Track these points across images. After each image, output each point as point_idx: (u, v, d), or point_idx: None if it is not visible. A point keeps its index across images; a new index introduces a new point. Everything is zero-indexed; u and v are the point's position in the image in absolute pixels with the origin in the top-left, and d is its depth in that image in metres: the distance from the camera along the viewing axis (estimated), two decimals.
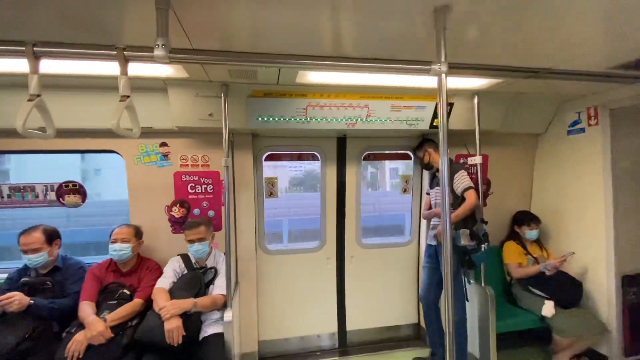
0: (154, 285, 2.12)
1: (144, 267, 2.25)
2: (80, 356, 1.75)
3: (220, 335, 2.06)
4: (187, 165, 2.55)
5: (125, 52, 1.20)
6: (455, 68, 1.84)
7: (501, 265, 2.92)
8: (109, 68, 1.75)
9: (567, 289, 2.58)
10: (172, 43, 1.20)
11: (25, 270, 2.11)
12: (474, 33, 1.49)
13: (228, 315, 2.05)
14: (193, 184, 2.56)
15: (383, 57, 1.73)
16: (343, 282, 3.08)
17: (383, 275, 3.14)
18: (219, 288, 2.16)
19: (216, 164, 2.57)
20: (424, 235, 2.96)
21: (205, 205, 2.59)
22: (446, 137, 1.27)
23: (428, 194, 2.79)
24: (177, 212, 2.55)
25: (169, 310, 1.89)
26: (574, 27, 1.44)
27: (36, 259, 2.01)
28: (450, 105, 2.52)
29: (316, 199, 3.06)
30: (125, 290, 2.09)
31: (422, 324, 3.07)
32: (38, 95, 1.19)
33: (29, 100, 1.17)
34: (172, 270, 2.20)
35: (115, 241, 2.12)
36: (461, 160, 2.90)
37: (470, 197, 2.27)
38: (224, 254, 2.20)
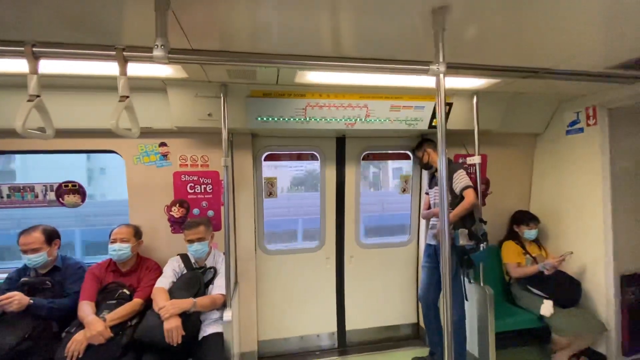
0: (153, 285, 2.12)
1: (144, 267, 2.25)
2: (79, 356, 1.75)
3: (219, 335, 2.06)
4: (187, 165, 2.55)
5: (124, 53, 1.20)
6: (454, 68, 1.85)
7: (500, 265, 2.93)
8: (108, 68, 1.76)
9: (566, 289, 2.59)
10: (171, 43, 1.20)
11: (24, 270, 2.11)
12: (472, 33, 1.49)
13: (227, 314, 2.05)
14: (192, 184, 2.56)
15: (382, 57, 1.73)
16: (342, 282, 3.09)
17: (382, 275, 3.14)
18: (218, 288, 2.17)
19: (215, 164, 2.57)
20: (423, 235, 2.96)
21: (204, 205, 2.59)
22: (444, 137, 1.28)
23: (427, 193, 2.79)
24: (176, 212, 2.55)
25: (169, 310, 1.89)
26: (573, 27, 1.45)
27: (36, 258, 2.02)
28: (449, 105, 2.53)
29: (317, 198, 3.06)
30: (124, 290, 2.09)
31: (422, 323, 3.08)
32: (37, 96, 1.19)
33: (29, 100, 1.17)
34: (172, 270, 2.20)
35: (114, 241, 2.12)
36: (460, 160, 2.91)
37: (469, 196, 2.28)
38: (224, 253, 2.20)
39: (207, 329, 2.10)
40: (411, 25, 1.39)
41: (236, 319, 2.41)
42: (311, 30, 1.44)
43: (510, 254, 2.83)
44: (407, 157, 3.21)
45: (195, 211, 2.58)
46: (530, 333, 2.82)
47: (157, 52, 1.17)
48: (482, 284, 2.44)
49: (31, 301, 1.89)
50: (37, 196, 2.45)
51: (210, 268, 2.25)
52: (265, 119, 2.36)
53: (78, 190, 2.49)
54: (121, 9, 1.25)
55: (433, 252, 2.61)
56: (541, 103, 2.81)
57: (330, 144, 2.97)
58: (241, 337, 2.64)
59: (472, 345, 2.54)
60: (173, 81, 2.13)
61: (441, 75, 1.28)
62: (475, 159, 2.49)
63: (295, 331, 3.01)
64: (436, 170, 2.61)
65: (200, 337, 2.06)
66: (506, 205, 3.08)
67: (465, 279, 2.49)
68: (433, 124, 2.59)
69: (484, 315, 2.41)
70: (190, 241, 2.20)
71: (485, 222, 2.35)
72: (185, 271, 2.22)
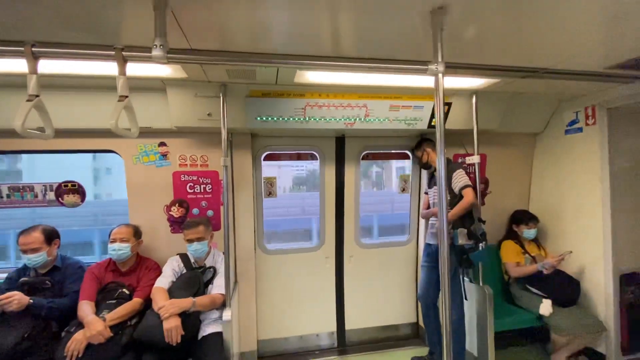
0: (153, 284, 2.12)
1: (143, 266, 2.25)
2: (79, 355, 1.76)
3: (219, 335, 2.06)
4: (186, 165, 2.55)
5: (123, 53, 1.20)
6: (453, 68, 1.85)
7: (499, 265, 2.93)
8: (108, 68, 1.76)
9: (565, 288, 2.59)
10: (171, 43, 1.20)
11: (24, 269, 2.11)
12: (471, 33, 1.49)
13: (227, 314, 2.06)
14: (192, 184, 2.57)
15: (381, 57, 1.74)
16: (342, 282, 3.09)
17: (382, 274, 3.15)
18: (217, 287, 2.17)
19: (215, 164, 2.58)
20: (423, 234, 2.97)
21: (204, 204, 2.60)
22: (443, 137, 1.28)
23: (426, 193, 2.80)
24: (176, 211, 2.55)
25: (168, 310, 1.89)
26: (572, 26, 1.45)
27: (35, 258, 2.02)
28: (448, 104, 2.53)
29: (317, 198, 3.06)
30: (124, 290, 2.09)
31: (421, 323, 3.08)
32: (37, 96, 1.19)
33: (28, 100, 1.18)
34: (171, 270, 2.20)
35: (114, 241, 2.13)
36: (459, 160, 2.91)
37: (468, 195, 2.28)
38: (223, 253, 2.21)
39: (207, 329, 2.10)
40: (410, 25, 1.40)
41: (236, 319, 2.41)
42: (310, 30, 1.44)
43: (510, 253, 2.83)
44: (406, 157, 3.21)
45: (195, 211, 2.58)
46: (529, 332, 2.83)
47: (156, 52, 1.17)
48: (481, 284, 2.45)
49: (31, 301, 1.89)
50: (36, 196, 2.46)
51: (210, 268, 2.25)
52: (264, 118, 2.36)
53: (77, 190, 2.49)
54: (120, 9, 1.25)
55: (432, 252, 2.62)
56: (540, 103, 2.81)
57: (329, 143, 2.97)
58: (241, 337, 2.65)
59: (471, 344, 2.54)
60: (172, 81, 2.13)
61: (440, 75, 1.28)
62: (475, 159, 2.50)
63: (295, 331, 3.01)
64: (435, 169, 2.61)
65: (199, 337, 2.07)
66: (505, 205, 3.08)
67: (465, 278, 2.50)
68: (432, 123, 2.59)
69: (483, 314, 2.42)
70: (190, 241, 2.20)
71: (484, 222, 2.35)
72: (184, 271, 2.23)
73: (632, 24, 1.44)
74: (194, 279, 2.16)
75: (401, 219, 3.27)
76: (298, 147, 2.97)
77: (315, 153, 2.99)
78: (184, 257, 2.28)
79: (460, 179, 2.35)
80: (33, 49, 1.16)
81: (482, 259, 2.35)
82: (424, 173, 2.92)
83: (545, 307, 2.50)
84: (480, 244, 2.28)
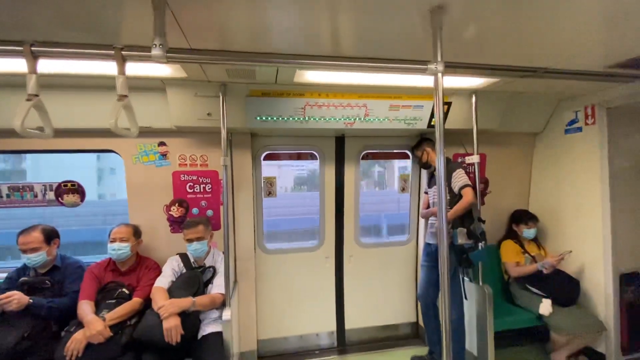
0: (152, 284, 2.13)
1: (143, 266, 2.25)
2: (79, 355, 1.76)
3: (219, 334, 2.06)
4: (186, 164, 2.55)
5: (122, 52, 1.20)
6: (452, 67, 1.85)
7: (499, 264, 2.93)
8: (107, 68, 1.75)
9: (565, 288, 2.60)
10: (170, 43, 1.20)
11: (24, 269, 2.11)
12: (471, 32, 1.49)
13: (227, 314, 2.06)
14: (192, 184, 2.57)
15: (381, 57, 1.73)
16: (342, 281, 3.09)
17: (382, 274, 3.15)
18: (217, 287, 2.17)
19: (215, 164, 2.58)
20: (422, 234, 2.97)
21: (203, 204, 2.60)
22: (442, 136, 1.28)
23: (426, 193, 2.80)
24: (175, 211, 2.55)
25: (168, 309, 1.89)
26: (572, 26, 1.45)
27: (35, 258, 2.02)
28: (448, 104, 2.53)
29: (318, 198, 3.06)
30: (124, 290, 2.09)
31: (421, 322, 3.08)
32: (36, 95, 1.19)
33: (27, 100, 1.18)
34: (171, 270, 2.20)
35: (114, 240, 2.13)
36: (459, 159, 2.91)
37: (467, 195, 2.28)
38: (223, 253, 2.21)
39: (207, 328, 2.10)
40: (410, 25, 1.40)
41: (235, 318, 2.41)
42: (310, 29, 1.44)
43: (509, 253, 2.83)
44: (406, 157, 3.21)
45: (195, 210, 2.58)
46: (529, 332, 2.83)
47: (156, 52, 1.17)
48: (480, 283, 2.45)
49: (30, 300, 1.89)
50: (36, 196, 2.46)
51: (210, 267, 2.25)
52: (264, 118, 2.36)
53: (77, 189, 2.49)
54: (120, 9, 1.25)
55: (432, 251, 2.62)
56: (540, 102, 2.81)
57: (329, 143, 2.97)
58: (240, 337, 2.65)
59: (471, 344, 2.55)
60: (172, 81, 2.13)
61: (439, 75, 1.28)
62: (474, 158, 2.50)
63: (295, 330, 3.01)
64: (435, 169, 2.62)
65: (199, 337, 2.07)
66: (505, 205, 3.09)
67: (464, 278, 2.50)
68: (432, 123, 2.59)
69: (482, 314, 2.42)
70: (190, 240, 2.21)
71: (483, 221, 2.35)
72: (184, 270, 2.23)
73: (632, 24, 1.44)
74: (194, 279, 2.16)
75: (407, 218, 3.27)
76: (298, 146, 2.97)
77: (314, 153, 2.99)
78: (184, 257, 2.28)
79: (459, 178, 2.35)
80: (32, 48, 1.16)
81: (481, 258, 2.35)
82: (424, 173, 2.92)
83: (545, 306, 2.50)
84: (480, 244, 2.28)
